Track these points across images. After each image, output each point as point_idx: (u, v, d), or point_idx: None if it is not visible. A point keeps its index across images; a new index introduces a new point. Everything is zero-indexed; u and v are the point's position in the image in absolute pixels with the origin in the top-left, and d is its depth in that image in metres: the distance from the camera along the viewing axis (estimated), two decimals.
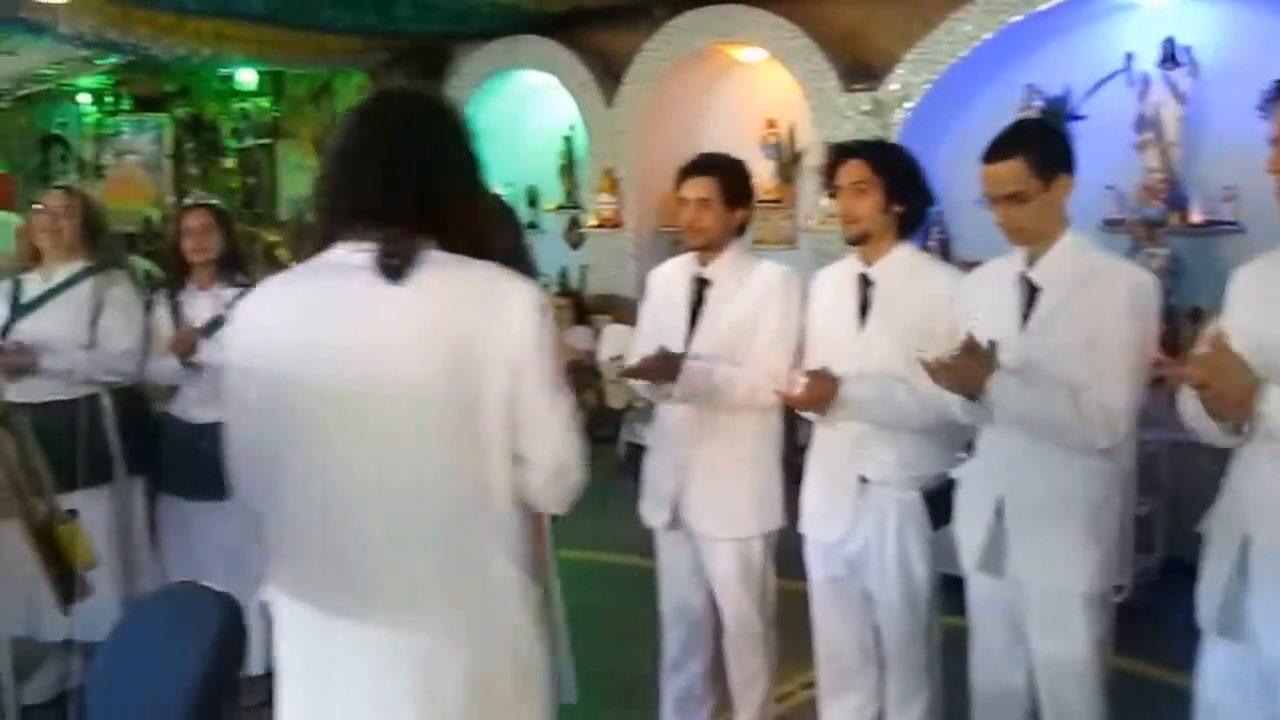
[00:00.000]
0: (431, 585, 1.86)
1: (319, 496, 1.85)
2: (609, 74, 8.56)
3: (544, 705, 2.01)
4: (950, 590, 3.18)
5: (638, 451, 7.52)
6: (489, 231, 1.94)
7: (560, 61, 8.73)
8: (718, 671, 3.57)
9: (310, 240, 1.92)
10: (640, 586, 3.95)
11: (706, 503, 3.36)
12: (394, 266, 1.80)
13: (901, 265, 3.15)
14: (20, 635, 3.97)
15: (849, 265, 3.23)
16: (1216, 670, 2.45)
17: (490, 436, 1.84)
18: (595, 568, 5.39)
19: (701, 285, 3.38)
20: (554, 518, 3.10)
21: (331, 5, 8.06)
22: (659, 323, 3.46)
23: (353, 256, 1.83)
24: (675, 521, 3.41)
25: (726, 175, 3.35)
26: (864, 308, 3.14)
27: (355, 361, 1.81)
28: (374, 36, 9.14)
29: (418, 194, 1.85)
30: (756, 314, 3.30)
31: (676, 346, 3.29)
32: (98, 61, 10.22)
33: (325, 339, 1.83)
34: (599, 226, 8.61)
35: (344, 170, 1.89)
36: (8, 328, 4.00)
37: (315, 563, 1.89)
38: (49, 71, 10.80)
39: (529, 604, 1.96)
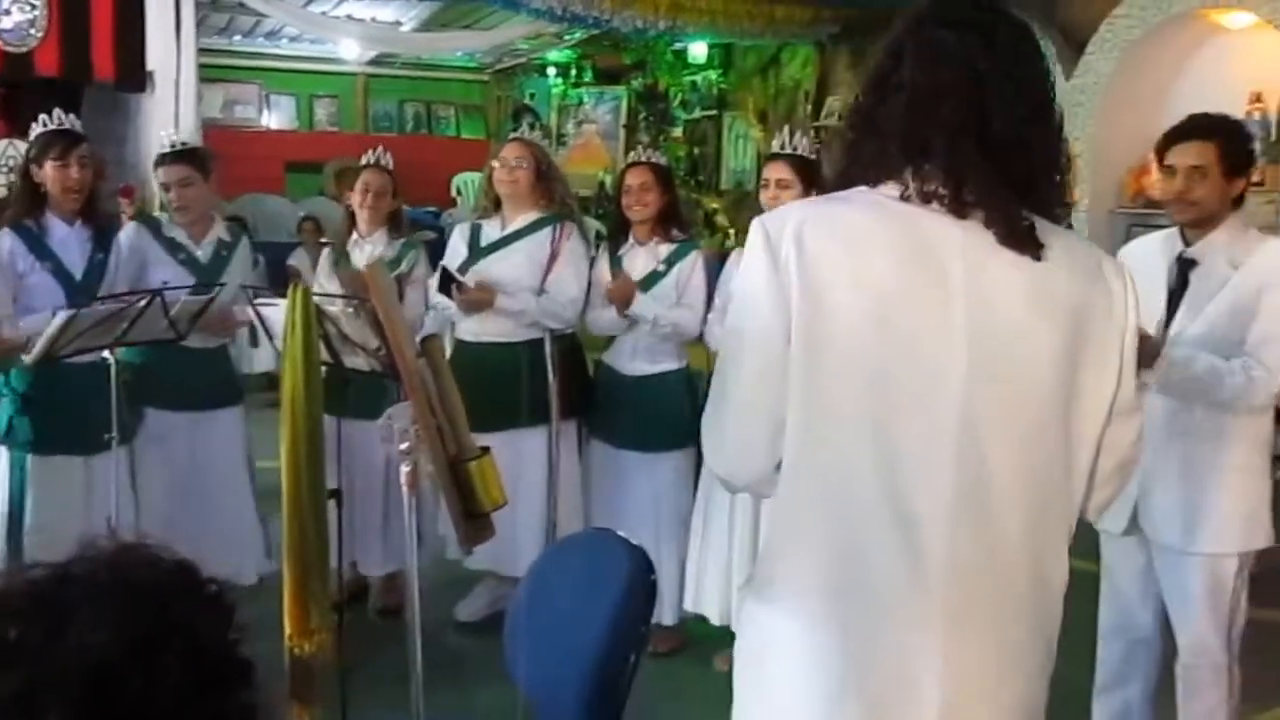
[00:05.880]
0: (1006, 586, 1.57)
1: (879, 475, 1.53)
2: (1070, 43, 7.96)
3: None
4: None
5: None
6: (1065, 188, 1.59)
7: None
8: (1165, 701, 3.17)
9: (861, 166, 1.60)
10: (1079, 593, 3.60)
11: (1175, 509, 2.97)
12: (1025, 236, 1.51)
13: None
14: (451, 559, 4.22)
15: None
16: None
17: (1086, 430, 1.59)
18: None
19: (1186, 266, 2.97)
20: None
21: None
22: None
23: (922, 205, 1.54)
24: (1132, 527, 3.03)
25: (1228, 140, 2.91)
26: None
27: (960, 327, 1.52)
28: (824, 7, 9.05)
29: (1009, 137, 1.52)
30: (1254, 300, 2.86)
31: (1152, 333, 2.91)
32: (565, 37, 10.83)
33: (927, 299, 1.52)
34: None
35: (916, 98, 1.54)
36: (465, 268, 4.24)
37: (849, 551, 1.56)
38: (523, 46, 11.61)
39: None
